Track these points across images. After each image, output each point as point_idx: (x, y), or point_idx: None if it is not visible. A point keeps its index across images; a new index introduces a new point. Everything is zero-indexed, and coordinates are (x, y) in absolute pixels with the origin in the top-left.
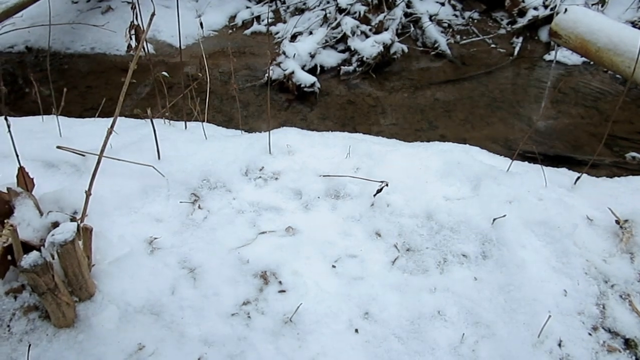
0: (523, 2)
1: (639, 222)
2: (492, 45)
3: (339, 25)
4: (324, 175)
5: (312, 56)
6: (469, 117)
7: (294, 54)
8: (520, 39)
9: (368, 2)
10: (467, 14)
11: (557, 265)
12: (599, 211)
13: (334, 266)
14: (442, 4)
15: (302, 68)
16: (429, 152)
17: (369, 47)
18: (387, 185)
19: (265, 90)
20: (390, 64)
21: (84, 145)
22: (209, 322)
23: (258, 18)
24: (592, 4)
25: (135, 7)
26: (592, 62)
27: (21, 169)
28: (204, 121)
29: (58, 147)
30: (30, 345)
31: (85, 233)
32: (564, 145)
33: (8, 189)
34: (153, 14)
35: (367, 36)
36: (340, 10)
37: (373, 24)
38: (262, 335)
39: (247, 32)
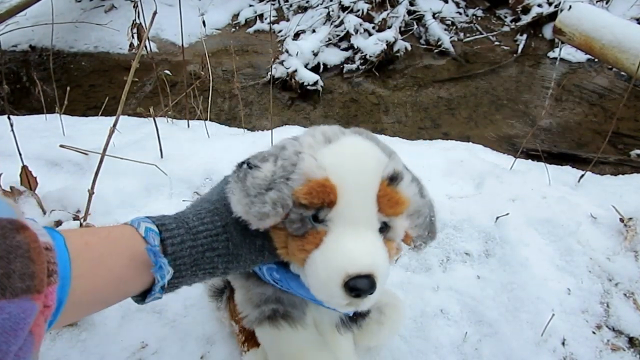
0: None
1: None
2: (496, 43)
3: (342, 23)
4: None
5: (315, 54)
6: (473, 115)
7: (297, 52)
8: (524, 36)
9: (371, 0)
10: (470, 11)
11: (560, 263)
12: (603, 209)
13: None
14: (446, 2)
15: (305, 66)
16: (432, 150)
17: (372, 45)
18: None
19: (268, 89)
20: (393, 62)
21: (87, 144)
22: (211, 320)
23: (261, 16)
24: (597, 1)
25: (137, 6)
26: (596, 60)
27: (24, 168)
28: (206, 120)
29: (61, 146)
30: None
31: None
32: (567, 143)
33: (11, 187)
34: (155, 13)
35: (370, 34)
36: (343, 9)
37: (376, 21)
38: None
39: (250, 30)
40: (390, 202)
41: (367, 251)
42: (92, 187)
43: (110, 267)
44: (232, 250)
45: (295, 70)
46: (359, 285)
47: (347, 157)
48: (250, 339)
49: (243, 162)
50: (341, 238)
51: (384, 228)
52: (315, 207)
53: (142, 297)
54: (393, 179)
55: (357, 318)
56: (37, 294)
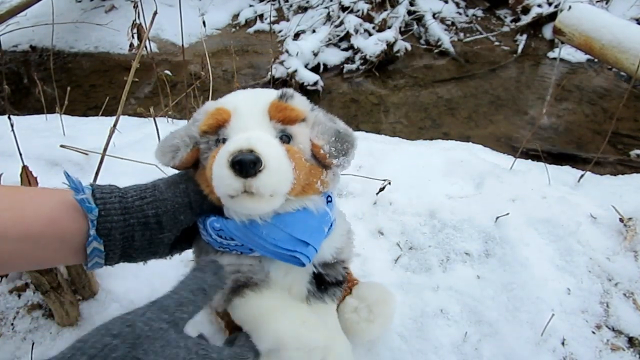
0: None
1: None
2: (496, 43)
3: (342, 23)
4: None
5: (315, 54)
6: (472, 115)
7: (297, 53)
8: (524, 36)
9: (371, 0)
10: (470, 11)
11: (560, 263)
12: (602, 209)
13: None
14: (446, 2)
15: (305, 66)
16: (432, 150)
17: (372, 45)
18: (389, 183)
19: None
20: (393, 62)
21: (88, 144)
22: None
23: (261, 16)
24: (597, 1)
25: (137, 6)
26: (596, 60)
27: (25, 168)
28: None
29: (61, 146)
30: (33, 344)
31: None
32: (567, 143)
33: None
34: (155, 13)
35: (370, 34)
36: (343, 9)
37: (376, 22)
38: None
39: (250, 30)
40: (278, 108)
41: (248, 134)
42: None
43: (39, 205)
44: (158, 196)
45: (296, 71)
46: (242, 158)
47: (240, 93)
48: None
49: None
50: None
51: (285, 138)
52: (215, 129)
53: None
54: (282, 96)
55: (326, 287)
56: None
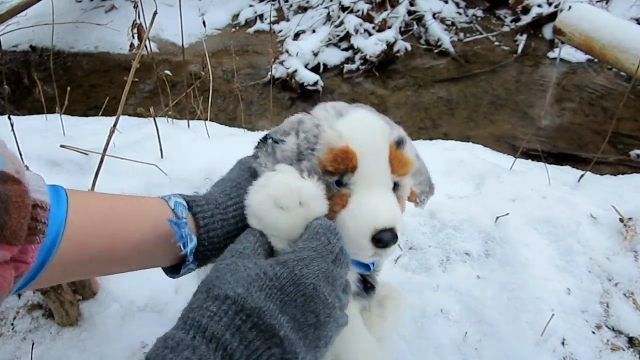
0: None
1: None
2: (496, 43)
3: (342, 23)
4: None
5: (315, 54)
6: (472, 115)
7: (297, 53)
8: (524, 36)
9: (371, 0)
10: (470, 11)
11: (560, 263)
12: (602, 209)
13: None
14: (446, 2)
15: (305, 66)
16: (432, 150)
17: (372, 45)
18: None
19: (268, 89)
20: (393, 62)
21: (88, 144)
22: None
23: (261, 16)
24: (597, 1)
25: (137, 6)
26: (596, 60)
27: (25, 168)
28: (206, 120)
29: (62, 146)
30: (33, 344)
31: None
32: (567, 143)
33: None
34: (155, 13)
35: (370, 34)
36: (343, 9)
37: (376, 22)
38: None
39: (250, 30)
40: (400, 163)
41: (389, 207)
42: (93, 187)
43: (129, 232)
44: None
45: (296, 71)
46: (385, 237)
47: (361, 127)
48: None
49: (266, 137)
50: (366, 198)
51: (395, 187)
52: (340, 173)
53: (174, 268)
54: (399, 143)
55: (369, 288)
56: (7, 245)
